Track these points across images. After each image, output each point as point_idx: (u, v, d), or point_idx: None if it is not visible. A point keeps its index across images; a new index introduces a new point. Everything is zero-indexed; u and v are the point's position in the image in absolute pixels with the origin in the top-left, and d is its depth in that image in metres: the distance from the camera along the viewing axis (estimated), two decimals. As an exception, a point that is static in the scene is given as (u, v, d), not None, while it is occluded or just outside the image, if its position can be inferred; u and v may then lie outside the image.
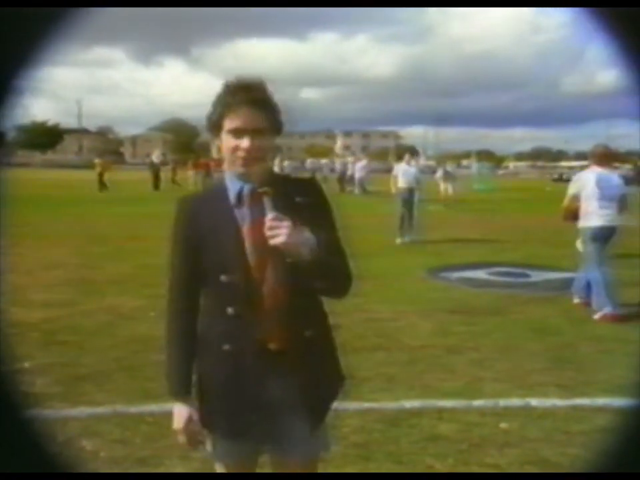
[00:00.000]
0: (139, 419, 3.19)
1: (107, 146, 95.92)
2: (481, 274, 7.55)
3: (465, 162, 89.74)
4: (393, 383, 3.79)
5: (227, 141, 1.44)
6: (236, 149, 1.43)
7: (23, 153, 33.72)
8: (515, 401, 3.53)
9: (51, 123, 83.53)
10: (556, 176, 45.09)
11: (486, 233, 11.61)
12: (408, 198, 10.31)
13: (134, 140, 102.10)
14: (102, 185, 22.78)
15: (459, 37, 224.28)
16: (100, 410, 3.30)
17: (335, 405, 1.66)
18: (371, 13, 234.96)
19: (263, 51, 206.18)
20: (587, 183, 5.63)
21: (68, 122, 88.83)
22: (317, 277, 1.43)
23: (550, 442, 3.02)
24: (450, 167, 22.07)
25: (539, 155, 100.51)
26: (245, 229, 1.46)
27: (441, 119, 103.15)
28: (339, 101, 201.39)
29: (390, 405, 3.46)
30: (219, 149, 1.48)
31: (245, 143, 1.41)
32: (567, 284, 7.11)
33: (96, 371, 3.87)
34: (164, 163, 26.26)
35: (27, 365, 3.87)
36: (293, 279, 1.44)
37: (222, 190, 1.50)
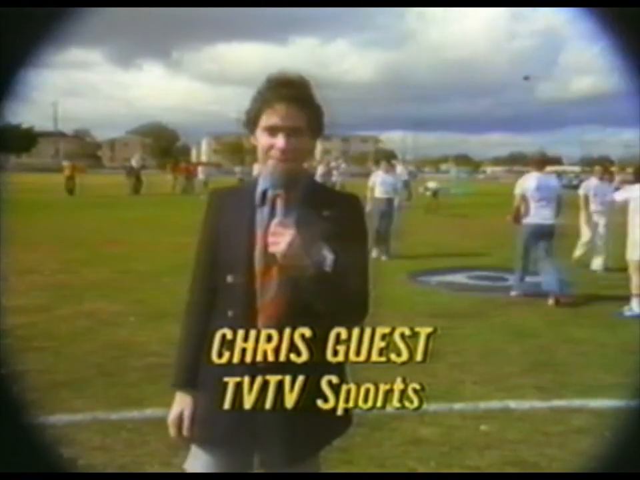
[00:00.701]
0: (119, 426, 3.15)
1: (84, 149, 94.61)
2: (460, 278, 7.64)
3: (443, 166, 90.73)
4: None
5: (262, 139, 1.37)
6: (270, 147, 1.36)
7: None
8: (495, 404, 3.58)
9: (25, 125, 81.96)
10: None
11: (464, 237, 11.75)
12: (386, 209, 9.25)
13: (112, 143, 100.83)
14: (71, 188, 22.09)
15: (437, 43, 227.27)
16: (79, 417, 3.25)
17: None
18: (351, 17, 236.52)
19: (243, 55, 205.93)
20: (529, 186, 6.40)
21: (44, 125, 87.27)
22: (323, 299, 1.32)
23: (529, 443, 3.07)
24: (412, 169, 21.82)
25: (516, 159, 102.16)
26: (259, 232, 1.38)
27: (419, 124, 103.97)
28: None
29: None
30: (253, 148, 1.42)
31: (280, 141, 1.34)
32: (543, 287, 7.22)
33: (74, 378, 3.81)
34: (143, 167, 25.88)
35: (1, 372, 3.79)
36: (296, 295, 1.33)
37: (251, 188, 1.44)
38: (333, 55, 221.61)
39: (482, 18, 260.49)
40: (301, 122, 1.36)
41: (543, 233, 6.34)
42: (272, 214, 1.36)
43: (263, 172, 1.41)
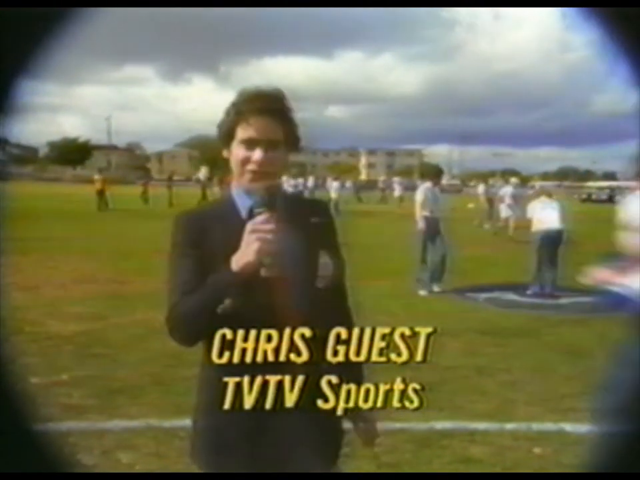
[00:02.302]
0: (172, 434, 3.23)
1: (134, 162, 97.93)
2: (509, 294, 7.47)
3: (491, 181, 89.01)
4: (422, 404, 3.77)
5: (237, 152, 1.34)
6: (247, 160, 1.32)
7: (54, 169, 34.51)
8: (549, 426, 3.48)
9: (82, 139, 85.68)
10: (584, 196, 44.34)
11: (512, 252, 11.48)
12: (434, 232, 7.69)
13: (160, 156, 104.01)
14: (102, 202, 20.64)
15: (486, 56, 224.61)
16: (134, 423, 3.36)
17: None
18: (398, 31, 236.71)
19: (289, 69, 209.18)
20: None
21: (99, 138, 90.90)
22: (333, 308, 1.35)
23: (586, 469, 2.96)
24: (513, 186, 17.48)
25: (566, 174, 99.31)
26: None
27: (466, 138, 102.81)
28: (363, 118, 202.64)
29: (420, 425, 3.43)
30: (226, 162, 1.38)
31: (256, 154, 1.31)
32: (597, 306, 6.97)
33: (130, 385, 3.94)
34: (209, 180, 26.30)
35: (64, 376, 3.97)
36: (305, 308, 1.32)
37: (230, 205, 1.38)
38: (379, 69, 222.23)
39: (533, 29, 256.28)
40: (277, 135, 1.33)
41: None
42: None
43: (241, 188, 1.37)
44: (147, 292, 7.08)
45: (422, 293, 7.41)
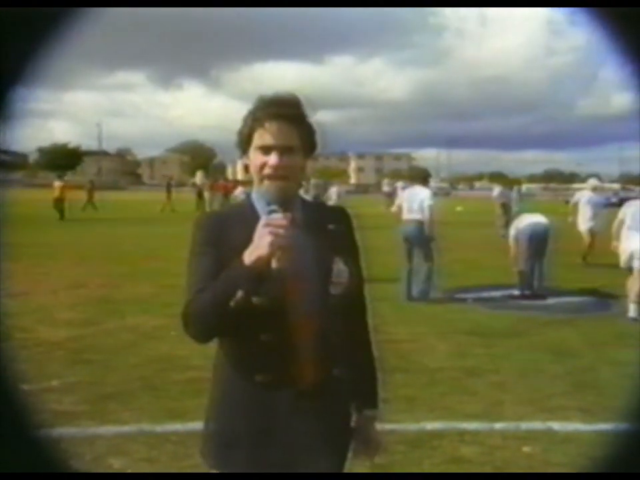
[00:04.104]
0: (164, 438, 3.24)
1: (125, 167, 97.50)
2: (496, 296, 7.54)
3: (477, 184, 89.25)
4: (413, 405, 3.81)
5: (255, 158, 1.36)
6: (263, 166, 1.35)
7: (44, 174, 34.29)
8: (537, 425, 3.52)
9: (72, 145, 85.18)
10: (569, 198, 44.75)
11: (499, 254, 11.57)
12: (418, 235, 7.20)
13: (151, 161, 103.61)
14: (60, 212, 18.59)
15: (473, 61, 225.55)
16: (126, 429, 3.36)
17: None
18: (387, 36, 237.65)
19: (280, 74, 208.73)
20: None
21: (89, 144, 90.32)
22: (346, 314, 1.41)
23: (575, 467, 3.00)
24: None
25: (551, 177, 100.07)
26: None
27: (453, 141, 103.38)
28: (353, 123, 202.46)
29: (411, 426, 3.47)
30: (246, 168, 1.41)
31: (272, 159, 1.33)
32: (583, 307, 7.10)
33: (121, 390, 3.94)
34: (204, 185, 26.21)
35: (54, 383, 3.96)
36: (316, 310, 1.36)
37: (249, 208, 1.41)
38: (369, 74, 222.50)
39: (519, 34, 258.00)
40: (293, 140, 1.35)
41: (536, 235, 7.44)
42: None
43: (261, 192, 1.40)
44: (137, 297, 7.07)
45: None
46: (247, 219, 1.37)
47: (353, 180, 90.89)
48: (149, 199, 29.16)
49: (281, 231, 1.23)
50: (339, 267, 1.39)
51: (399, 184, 22.22)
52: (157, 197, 27.71)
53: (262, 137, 1.35)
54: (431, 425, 3.47)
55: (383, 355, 5.61)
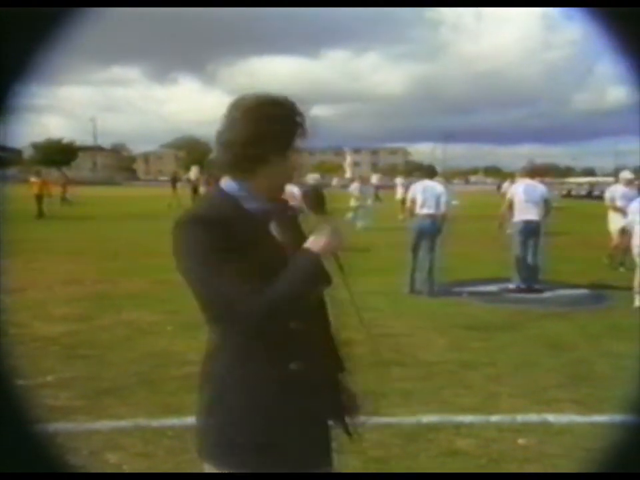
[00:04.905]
0: (161, 433, 3.24)
1: (120, 163, 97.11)
2: (493, 289, 7.56)
3: (472, 178, 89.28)
4: (409, 398, 3.82)
5: (295, 159, 1.47)
6: (298, 166, 1.49)
7: (48, 170, 34.14)
8: (533, 417, 3.54)
9: (66, 140, 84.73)
10: (564, 192, 44.81)
11: (496, 248, 11.60)
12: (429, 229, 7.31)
13: (146, 157, 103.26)
14: (40, 209, 17.78)
15: (470, 55, 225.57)
16: (122, 424, 3.36)
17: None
18: (383, 30, 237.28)
19: (275, 68, 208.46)
20: (517, 191, 7.77)
21: (84, 140, 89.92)
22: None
23: (570, 458, 3.02)
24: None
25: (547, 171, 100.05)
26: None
27: (449, 136, 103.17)
28: (349, 118, 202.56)
29: (407, 419, 3.48)
30: (247, 165, 1.41)
31: (304, 160, 1.52)
32: (579, 300, 7.14)
33: (117, 385, 3.94)
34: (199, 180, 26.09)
35: (49, 378, 3.95)
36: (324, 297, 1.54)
37: (234, 205, 1.42)
38: (364, 68, 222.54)
39: (515, 29, 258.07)
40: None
41: (526, 229, 7.52)
42: (281, 230, 1.47)
43: (247, 188, 1.43)
44: (133, 293, 7.05)
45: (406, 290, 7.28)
46: (241, 215, 1.41)
47: (348, 174, 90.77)
48: (144, 195, 29.09)
49: (342, 231, 1.42)
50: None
51: (399, 180, 21.30)
52: (152, 192, 27.64)
53: (303, 139, 1.46)
54: (427, 418, 3.48)
55: (380, 349, 5.61)
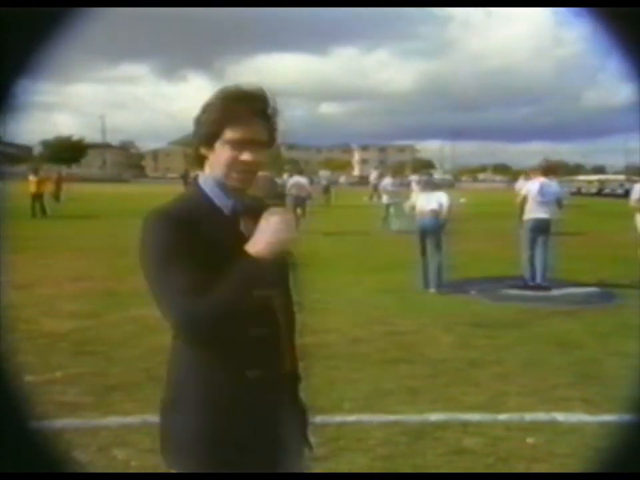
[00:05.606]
0: (168, 429, 3.25)
1: (129, 160, 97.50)
2: (501, 287, 7.52)
3: (481, 176, 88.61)
4: (416, 396, 3.80)
5: (223, 152, 1.34)
6: (234, 161, 1.34)
7: (49, 167, 34.29)
8: (541, 416, 3.52)
9: (75, 137, 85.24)
10: (574, 189, 44.49)
11: (503, 246, 11.54)
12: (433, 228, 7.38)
13: (155, 154, 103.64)
14: (38, 208, 17.34)
15: (479, 51, 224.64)
16: (130, 420, 3.37)
17: (360, 416, 1.66)
18: (392, 27, 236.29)
19: (283, 66, 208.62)
20: (532, 188, 7.75)
21: (93, 137, 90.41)
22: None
23: (579, 458, 3.00)
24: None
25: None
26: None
27: (457, 133, 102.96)
28: (357, 115, 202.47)
29: (414, 417, 3.47)
30: (200, 158, 1.39)
31: (246, 155, 1.33)
32: (588, 298, 7.08)
33: (125, 381, 3.95)
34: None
35: (58, 374, 3.97)
36: (290, 306, 1.46)
37: (208, 203, 1.37)
38: (373, 65, 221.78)
39: (525, 25, 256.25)
40: (264, 135, 1.37)
41: (538, 226, 7.57)
42: (248, 228, 1.34)
43: (220, 185, 1.38)
44: (141, 289, 7.06)
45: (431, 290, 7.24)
46: (212, 213, 1.36)
47: (356, 172, 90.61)
48: (153, 192, 29.21)
49: (292, 224, 1.28)
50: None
51: (414, 177, 19.26)
52: (161, 190, 27.72)
53: (235, 131, 1.33)
54: (434, 416, 3.47)
55: (387, 347, 5.63)
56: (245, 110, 1.33)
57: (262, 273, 1.26)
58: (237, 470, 1.34)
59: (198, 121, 1.38)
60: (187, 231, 1.30)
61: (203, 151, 1.38)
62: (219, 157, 1.35)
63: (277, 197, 1.31)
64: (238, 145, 1.33)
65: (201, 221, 1.33)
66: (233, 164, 1.34)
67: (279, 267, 1.39)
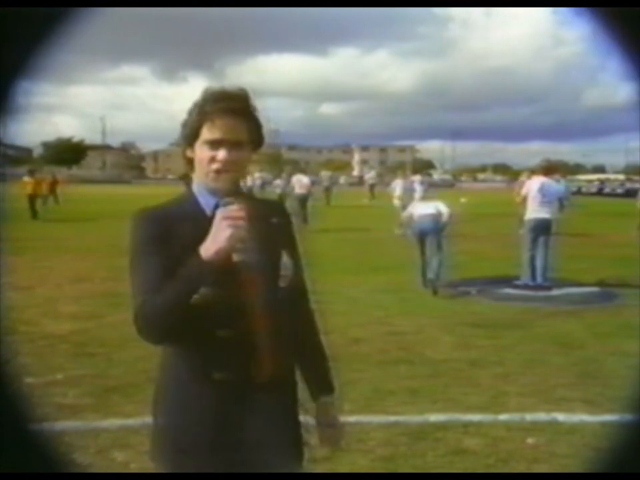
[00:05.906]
0: (168, 430, 3.25)
1: (129, 161, 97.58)
2: (501, 287, 7.52)
3: (481, 176, 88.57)
4: (417, 397, 3.80)
5: (202, 152, 1.35)
6: (211, 160, 1.34)
7: (49, 169, 34.29)
8: (542, 416, 3.51)
9: (76, 139, 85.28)
10: (574, 189, 44.42)
11: (503, 246, 11.53)
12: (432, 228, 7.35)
13: (155, 155, 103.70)
14: (33, 209, 17.14)
15: (479, 51, 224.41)
16: (130, 422, 3.36)
17: (360, 417, 1.63)
18: (392, 27, 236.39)
19: (283, 66, 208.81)
20: (532, 188, 7.75)
21: (93, 138, 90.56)
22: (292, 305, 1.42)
23: (579, 458, 2.99)
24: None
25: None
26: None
27: (458, 133, 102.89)
28: (357, 115, 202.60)
29: (415, 418, 3.47)
30: (189, 160, 1.39)
31: (221, 154, 1.32)
32: (589, 298, 7.07)
33: (125, 383, 3.95)
34: None
35: (58, 376, 3.97)
36: (272, 305, 1.37)
37: (193, 203, 1.39)
38: (373, 65, 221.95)
39: (526, 24, 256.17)
40: (242, 135, 1.35)
41: (538, 226, 7.55)
42: None
43: (203, 186, 1.38)
44: (142, 291, 7.09)
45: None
46: (192, 213, 1.36)
47: (355, 172, 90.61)
48: (153, 193, 29.21)
49: (240, 223, 1.24)
50: (285, 260, 1.41)
51: (417, 177, 18.05)
52: (161, 191, 27.71)
53: (211, 131, 1.33)
54: (434, 417, 3.47)
55: (387, 347, 5.63)
56: (219, 109, 1.33)
57: (203, 274, 1.23)
58: (198, 471, 1.34)
59: (183, 123, 1.40)
60: (159, 230, 1.33)
61: (189, 152, 1.39)
62: (199, 158, 1.36)
63: (235, 194, 1.24)
64: (214, 145, 1.33)
65: (181, 221, 1.34)
66: (211, 163, 1.34)
67: (272, 269, 1.38)
